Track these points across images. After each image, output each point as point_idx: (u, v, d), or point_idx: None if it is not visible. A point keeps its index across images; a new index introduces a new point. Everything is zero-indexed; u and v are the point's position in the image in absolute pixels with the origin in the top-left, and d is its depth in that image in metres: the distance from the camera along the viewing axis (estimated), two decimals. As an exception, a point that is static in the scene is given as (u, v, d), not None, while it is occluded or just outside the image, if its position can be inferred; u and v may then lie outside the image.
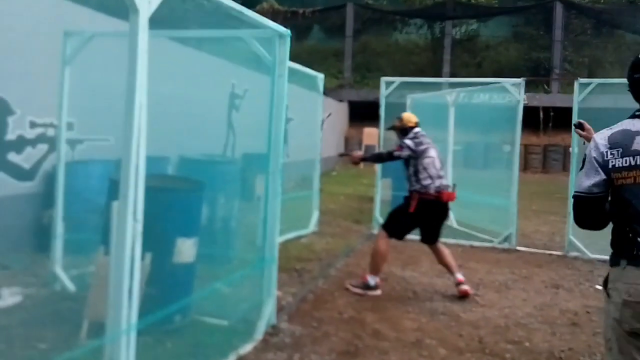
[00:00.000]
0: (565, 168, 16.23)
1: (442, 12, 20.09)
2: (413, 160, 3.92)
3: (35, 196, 4.14)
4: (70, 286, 3.39)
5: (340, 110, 17.34)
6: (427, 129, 8.05)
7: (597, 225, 1.78)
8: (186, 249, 2.86)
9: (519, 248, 5.78)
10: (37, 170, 4.25)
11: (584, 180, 1.71)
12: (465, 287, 3.91)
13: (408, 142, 3.96)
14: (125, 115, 1.92)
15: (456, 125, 7.12)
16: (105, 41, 3.39)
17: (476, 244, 5.95)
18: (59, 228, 3.47)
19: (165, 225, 2.71)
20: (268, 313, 3.07)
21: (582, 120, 2.36)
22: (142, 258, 2.30)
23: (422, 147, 3.95)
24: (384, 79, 6.31)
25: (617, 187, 1.67)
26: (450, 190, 3.95)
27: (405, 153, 3.95)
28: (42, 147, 4.28)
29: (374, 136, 15.33)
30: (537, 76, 18.45)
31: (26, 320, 2.90)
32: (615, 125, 1.77)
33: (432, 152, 3.97)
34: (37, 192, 4.17)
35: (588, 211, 1.74)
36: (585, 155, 1.76)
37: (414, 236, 6.26)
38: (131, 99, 1.90)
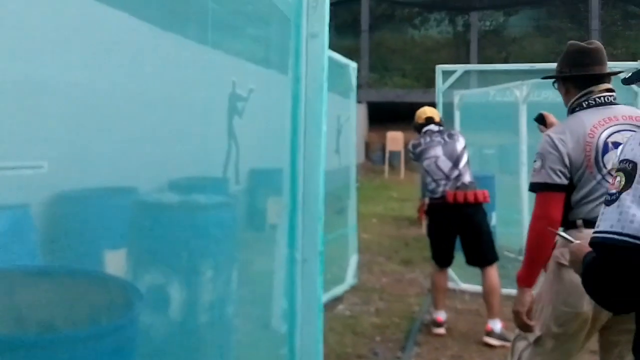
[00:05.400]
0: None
1: (466, 3, 18.47)
2: (420, 164, 3.60)
3: None
4: None
5: (359, 113, 15.64)
6: (485, 135, 6.17)
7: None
8: None
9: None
10: None
11: (634, 209, 0.87)
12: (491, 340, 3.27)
13: (410, 144, 3.67)
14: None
15: (530, 127, 5.36)
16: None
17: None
18: None
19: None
20: None
21: (545, 112, 2.03)
22: None
23: (419, 149, 3.58)
24: (440, 68, 4.60)
25: None
26: (462, 189, 3.37)
27: (410, 157, 3.73)
28: None
29: (398, 141, 13.67)
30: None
31: None
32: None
33: (434, 152, 3.51)
34: None
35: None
36: (630, 164, 0.94)
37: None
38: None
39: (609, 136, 1.68)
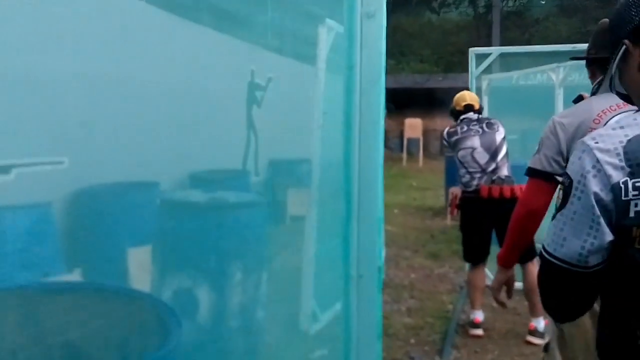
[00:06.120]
0: None
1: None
2: (454, 154, 3.39)
3: None
4: None
5: (375, 99, 15.33)
6: (515, 120, 5.87)
7: (584, 309, 0.94)
8: None
9: None
10: None
11: (569, 236, 0.86)
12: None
13: (444, 131, 3.48)
14: None
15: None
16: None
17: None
18: None
19: None
20: None
21: (584, 94, 1.67)
22: None
23: (455, 138, 3.36)
24: (473, 50, 4.32)
25: (632, 253, 0.82)
26: (498, 184, 3.16)
27: (445, 145, 3.57)
28: None
29: (417, 128, 13.38)
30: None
31: None
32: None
33: (471, 142, 3.30)
34: None
35: (575, 290, 0.91)
36: (567, 179, 0.88)
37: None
38: None
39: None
